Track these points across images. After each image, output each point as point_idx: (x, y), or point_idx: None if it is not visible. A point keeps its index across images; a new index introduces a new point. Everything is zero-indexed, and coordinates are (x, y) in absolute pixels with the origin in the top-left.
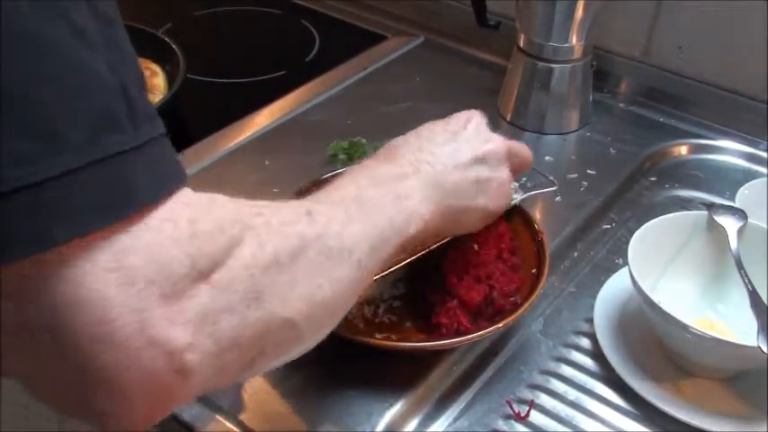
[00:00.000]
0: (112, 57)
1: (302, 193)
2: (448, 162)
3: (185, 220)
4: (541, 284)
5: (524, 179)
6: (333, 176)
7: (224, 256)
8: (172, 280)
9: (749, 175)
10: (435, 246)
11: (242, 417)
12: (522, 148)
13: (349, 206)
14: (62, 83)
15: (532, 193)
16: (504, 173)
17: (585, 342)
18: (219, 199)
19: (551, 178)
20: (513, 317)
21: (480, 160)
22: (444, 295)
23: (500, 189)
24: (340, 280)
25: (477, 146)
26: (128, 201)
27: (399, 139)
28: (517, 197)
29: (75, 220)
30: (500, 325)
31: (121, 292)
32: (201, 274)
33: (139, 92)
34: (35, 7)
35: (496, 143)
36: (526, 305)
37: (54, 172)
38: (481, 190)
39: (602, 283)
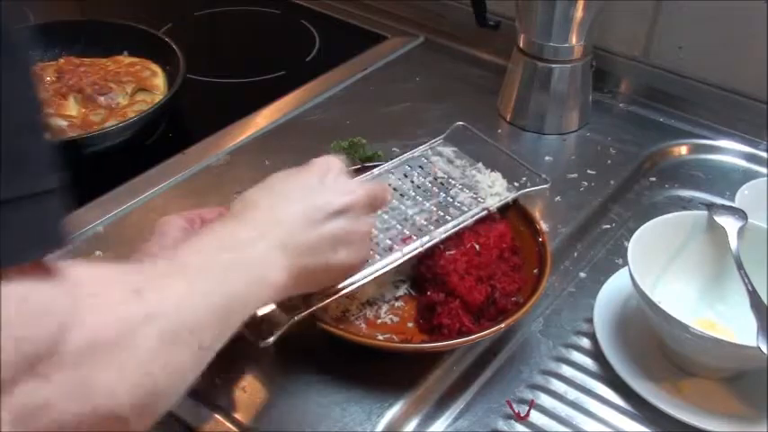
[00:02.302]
0: (9, 92)
1: None
2: (302, 221)
3: (17, 298)
4: (543, 284)
5: (524, 179)
6: None
7: (50, 343)
8: None
9: (749, 175)
10: (430, 244)
11: (241, 416)
12: (382, 191)
13: (191, 278)
14: None
15: (525, 191)
16: (364, 224)
17: (585, 342)
18: (52, 270)
19: (544, 176)
20: (515, 317)
21: (338, 213)
22: (446, 296)
23: (361, 242)
24: (176, 364)
25: (335, 198)
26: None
27: (252, 195)
28: (509, 195)
29: None
30: (502, 325)
31: None
32: (25, 362)
33: (28, 139)
34: None
35: (356, 194)
36: (528, 305)
37: None
38: (340, 244)
39: (602, 283)
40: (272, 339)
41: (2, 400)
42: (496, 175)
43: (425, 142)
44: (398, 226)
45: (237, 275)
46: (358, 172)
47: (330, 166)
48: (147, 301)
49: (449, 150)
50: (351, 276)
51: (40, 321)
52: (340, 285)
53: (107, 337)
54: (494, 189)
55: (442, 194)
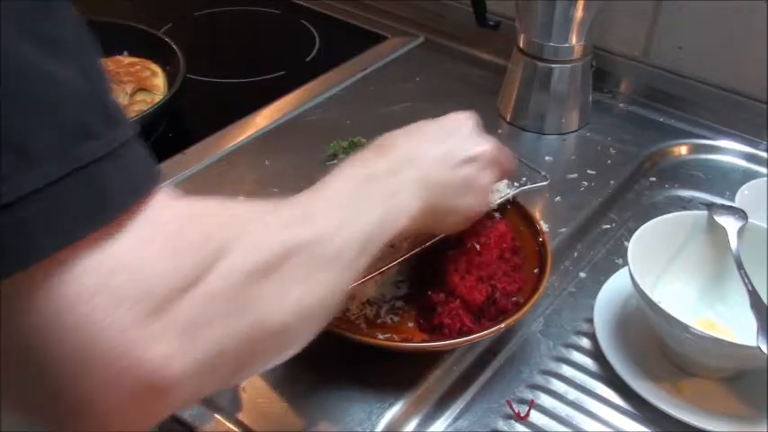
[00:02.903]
0: (84, 63)
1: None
2: (439, 160)
3: (171, 231)
4: (544, 284)
5: (524, 179)
6: None
7: (209, 267)
8: (157, 296)
9: (749, 175)
10: (431, 243)
11: (241, 416)
12: (508, 157)
13: (340, 205)
14: (29, 99)
15: (525, 188)
16: (487, 176)
17: (585, 342)
18: (205, 205)
19: (543, 173)
20: (515, 317)
21: (470, 161)
22: (447, 295)
23: (483, 191)
24: (327, 283)
25: (469, 147)
26: (104, 208)
27: (394, 134)
28: (510, 192)
29: (54, 232)
30: (502, 325)
31: (108, 315)
32: (186, 286)
33: (110, 95)
34: (11, 31)
35: (488, 146)
36: (529, 305)
37: (25, 189)
38: (468, 190)
39: (602, 283)
40: None
41: (166, 316)
42: None
43: None
44: None
45: (380, 203)
46: None
47: (466, 118)
48: (308, 227)
49: None
50: (471, 222)
51: (199, 249)
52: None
53: (268, 260)
54: (494, 186)
55: None
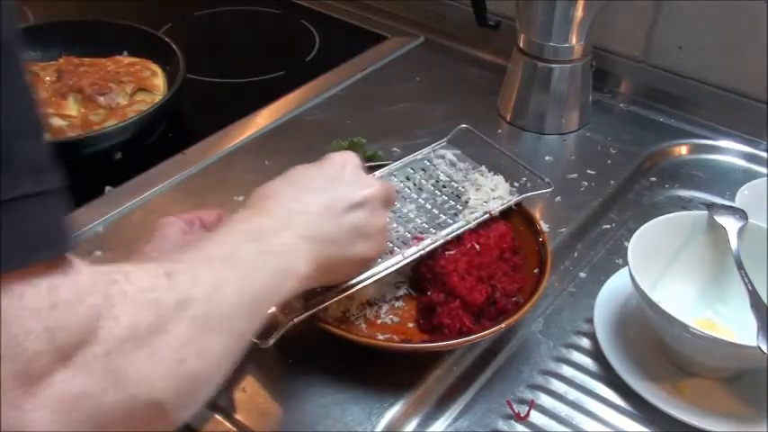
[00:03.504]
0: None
1: None
2: (323, 211)
3: (45, 287)
4: (544, 284)
5: (524, 180)
6: None
7: (82, 332)
8: (27, 358)
9: (749, 175)
10: (431, 247)
11: (241, 417)
12: (393, 192)
13: (218, 267)
14: None
15: (528, 194)
16: (381, 217)
17: (585, 342)
18: (75, 263)
19: (547, 180)
20: (515, 317)
21: (357, 206)
22: (447, 296)
23: (379, 234)
24: (210, 350)
25: (354, 191)
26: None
27: (272, 187)
28: (512, 198)
29: None
30: (503, 325)
31: None
32: (58, 352)
33: (25, 140)
34: None
35: (374, 188)
36: (529, 305)
37: None
38: (359, 237)
39: (602, 283)
40: (272, 340)
41: (40, 391)
42: (499, 179)
43: (425, 142)
44: (400, 228)
45: (263, 265)
46: None
47: (347, 161)
48: (178, 287)
49: (451, 153)
50: (368, 269)
51: (71, 310)
52: (341, 287)
53: (140, 323)
54: (496, 192)
55: (445, 197)
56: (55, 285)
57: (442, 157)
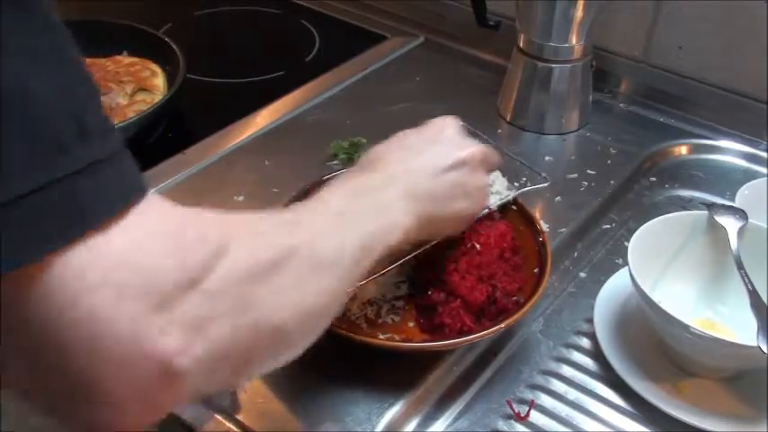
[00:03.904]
0: (63, 74)
1: (303, 193)
2: (427, 170)
3: (169, 231)
4: (544, 284)
5: (524, 179)
6: (331, 178)
7: (210, 264)
8: (161, 291)
9: (749, 175)
10: (431, 244)
11: (241, 417)
12: (494, 154)
13: (333, 218)
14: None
15: (525, 189)
16: (481, 177)
17: (585, 342)
18: (203, 212)
19: (544, 175)
20: (516, 316)
21: (457, 166)
22: (447, 295)
23: (478, 192)
24: (325, 289)
25: (454, 152)
26: (83, 217)
27: (379, 148)
28: (510, 194)
29: (35, 240)
30: (502, 325)
31: (112, 307)
32: (190, 282)
33: (92, 107)
34: None
35: (472, 149)
36: (529, 305)
37: None
38: (459, 195)
39: (602, 283)
40: None
41: (170, 315)
42: (496, 175)
43: None
44: None
45: (371, 218)
46: None
47: (447, 124)
48: (295, 233)
49: None
50: (470, 223)
51: (200, 244)
52: None
53: (262, 261)
54: (494, 188)
55: None
56: (178, 229)
57: None
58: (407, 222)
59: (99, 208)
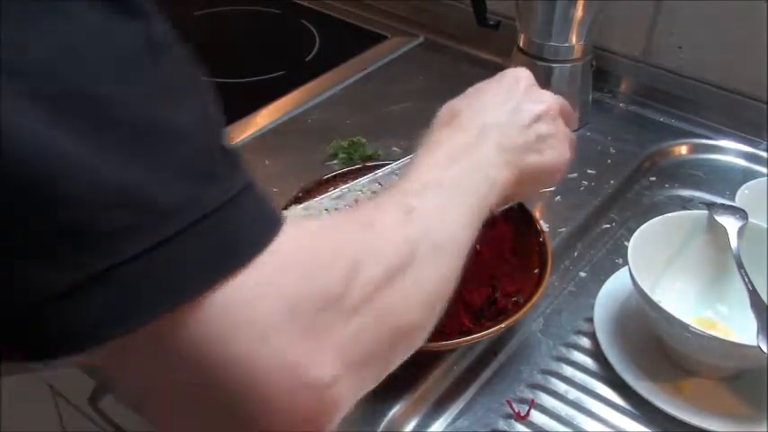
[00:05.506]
0: (198, 102)
1: (303, 192)
2: (512, 123)
3: (304, 256)
4: (544, 284)
5: None
6: (334, 176)
7: (348, 279)
8: (307, 317)
9: (749, 175)
10: None
11: None
12: (568, 106)
13: (438, 193)
14: (151, 153)
15: None
16: (562, 127)
17: (585, 342)
18: (323, 224)
19: None
20: (516, 316)
21: (540, 117)
22: None
23: (564, 142)
24: (443, 272)
25: (534, 104)
26: (236, 251)
27: (457, 103)
28: None
29: (183, 282)
30: (502, 325)
31: (263, 343)
32: (331, 302)
33: (225, 137)
34: (121, 84)
35: (551, 100)
36: (529, 305)
37: (152, 241)
38: (547, 146)
39: (602, 283)
40: None
41: (319, 333)
42: None
43: None
44: None
45: (471, 182)
46: (359, 172)
47: (520, 76)
48: (415, 221)
49: None
50: (560, 178)
51: (332, 263)
52: None
53: (395, 262)
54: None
55: None
56: (312, 252)
57: None
58: (506, 177)
59: (250, 240)
